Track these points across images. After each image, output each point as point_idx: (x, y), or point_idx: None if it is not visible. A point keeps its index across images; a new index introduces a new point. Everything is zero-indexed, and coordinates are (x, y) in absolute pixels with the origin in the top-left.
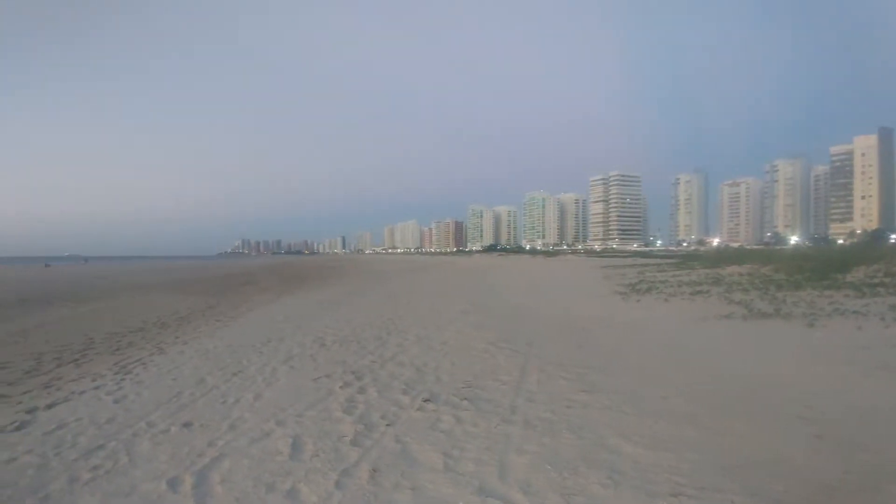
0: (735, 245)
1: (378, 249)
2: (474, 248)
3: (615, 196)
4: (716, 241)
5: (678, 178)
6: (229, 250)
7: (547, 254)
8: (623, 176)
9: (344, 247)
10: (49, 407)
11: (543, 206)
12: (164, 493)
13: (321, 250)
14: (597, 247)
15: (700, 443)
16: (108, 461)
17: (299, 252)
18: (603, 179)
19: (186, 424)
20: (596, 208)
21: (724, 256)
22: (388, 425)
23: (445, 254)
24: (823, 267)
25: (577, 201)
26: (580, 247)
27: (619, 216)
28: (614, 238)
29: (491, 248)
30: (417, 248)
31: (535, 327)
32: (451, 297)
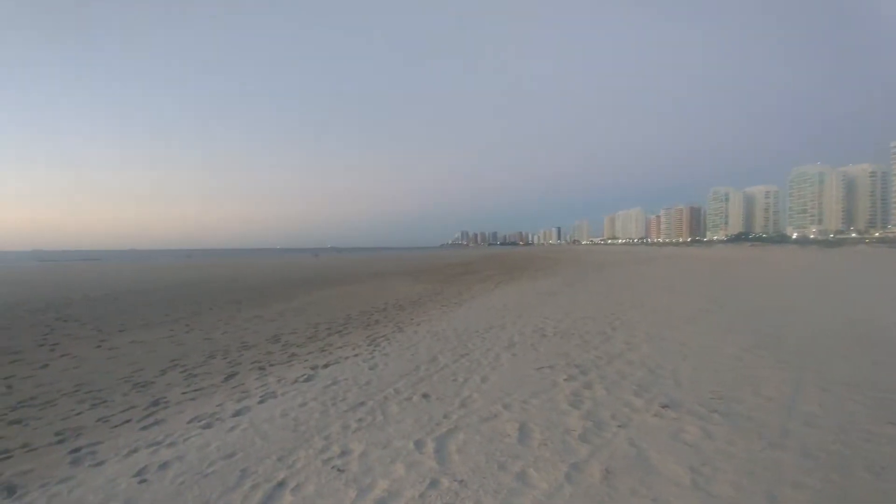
0: None
1: (596, 240)
2: (715, 237)
3: None
4: None
5: None
6: (450, 242)
7: (824, 244)
8: None
9: (559, 238)
10: (325, 366)
11: (821, 183)
12: (411, 451)
13: (535, 241)
14: None
15: None
16: (368, 416)
17: (514, 243)
18: None
19: (425, 395)
20: None
21: None
22: (619, 426)
23: (676, 244)
24: None
25: (872, 174)
26: (877, 234)
27: None
28: None
29: (740, 238)
30: (642, 238)
31: (811, 334)
32: (687, 294)
